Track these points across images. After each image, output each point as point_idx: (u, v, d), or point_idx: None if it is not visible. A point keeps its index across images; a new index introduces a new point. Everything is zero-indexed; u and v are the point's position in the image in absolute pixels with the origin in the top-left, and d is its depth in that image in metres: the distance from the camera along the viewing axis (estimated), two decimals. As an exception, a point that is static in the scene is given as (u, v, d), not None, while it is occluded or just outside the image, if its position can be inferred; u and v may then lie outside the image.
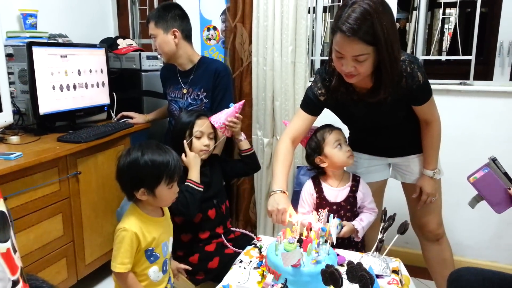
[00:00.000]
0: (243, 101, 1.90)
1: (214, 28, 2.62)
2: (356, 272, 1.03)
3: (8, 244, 0.58)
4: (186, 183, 1.66)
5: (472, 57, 2.25)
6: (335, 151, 1.64)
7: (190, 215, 1.67)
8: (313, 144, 1.68)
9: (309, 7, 2.39)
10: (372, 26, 1.29)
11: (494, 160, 1.34)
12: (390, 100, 1.51)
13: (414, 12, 2.68)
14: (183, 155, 1.71)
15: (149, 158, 1.34)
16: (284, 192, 1.53)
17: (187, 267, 1.67)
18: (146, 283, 1.41)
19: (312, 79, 1.72)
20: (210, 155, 1.82)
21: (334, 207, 1.65)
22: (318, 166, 1.69)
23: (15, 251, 0.58)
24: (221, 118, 1.80)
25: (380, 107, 1.54)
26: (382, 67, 1.39)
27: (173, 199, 1.44)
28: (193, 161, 1.71)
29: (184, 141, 1.73)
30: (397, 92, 1.48)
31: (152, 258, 1.41)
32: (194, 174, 1.69)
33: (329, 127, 1.70)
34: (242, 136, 1.90)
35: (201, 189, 1.68)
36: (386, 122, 1.65)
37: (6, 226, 0.59)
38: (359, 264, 1.05)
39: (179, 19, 2.13)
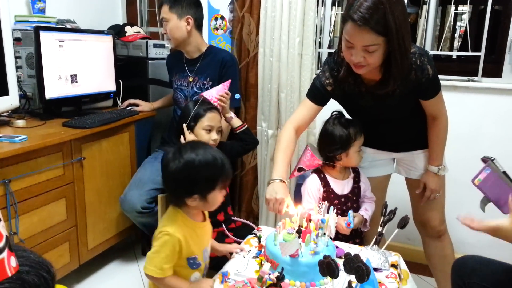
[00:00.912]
0: (230, 80, 1.91)
1: (222, 18, 2.61)
2: (353, 263, 1.03)
3: None
4: None
5: (481, 54, 2.22)
6: (356, 155, 1.64)
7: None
8: (344, 138, 1.60)
9: (318, 0, 2.37)
10: (384, 16, 1.27)
11: (493, 160, 1.32)
12: (398, 93, 1.50)
13: (425, 7, 2.64)
14: (182, 137, 1.70)
15: (203, 159, 1.24)
16: (283, 181, 1.51)
17: (239, 247, 1.54)
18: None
19: (320, 69, 1.71)
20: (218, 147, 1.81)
21: (343, 199, 1.66)
22: (333, 160, 1.65)
23: None
24: (212, 93, 1.80)
25: (387, 100, 1.53)
26: (392, 59, 1.36)
27: (220, 202, 1.34)
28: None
29: (184, 124, 1.71)
30: (405, 85, 1.47)
31: (194, 266, 1.34)
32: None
33: (359, 126, 1.64)
34: (232, 114, 1.90)
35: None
36: (393, 115, 1.63)
37: None
38: (356, 255, 1.05)
39: (194, 7, 2.13)
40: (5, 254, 0.58)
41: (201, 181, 1.24)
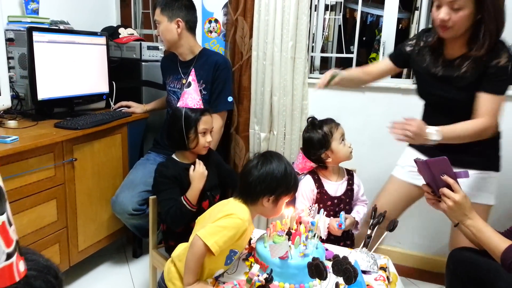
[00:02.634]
0: (193, 70, 1.86)
1: (216, 21, 2.63)
2: (341, 265, 1.04)
3: (3, 217, 0.58)
4: (183, 200, 1.63)
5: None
6: (341, 147, 1.67)
7: (173, 228, 1.67)
8: (320, 138, 1.66)
9: (312, 4, 2.39)
10: None
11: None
12: (468, 75, 1.46)
13: (416, 13, 2.67)
14: (191, 167, 1.67)
15: (289, 169, 1.35)
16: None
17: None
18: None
19: (312, 75, 1.78)
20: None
21: (336, 201, 1.67)
22: (322, 161, 1.69)
23: (10, 224, 0.59)
24: (195, 98, 1.74)
25: (454, 70, 1.50)
26: (483, 22, 1.37)
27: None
28: (199, 178, 1.66)
29: (197, 160, 1.71)
30: (477, 67, 1.43)
31: (228, 261, 1.34)
32: (194, 193, 1.65)
33: (333, 121, 1.71)
34: None
35: (194, 210, 1.65)
36: (454, 103, 1.54)
37: (2, 199, 0.60)
38: (344, 257, 1.06)
39: (185, 10, 2.14)
40: (14, 258, 0.58)
41: (283, 187, 1.33)
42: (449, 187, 1.30)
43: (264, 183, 1.32)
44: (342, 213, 1.57)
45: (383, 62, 1.83)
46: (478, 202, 1.56)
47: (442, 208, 1.33)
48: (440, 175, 1.30)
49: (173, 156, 1.77)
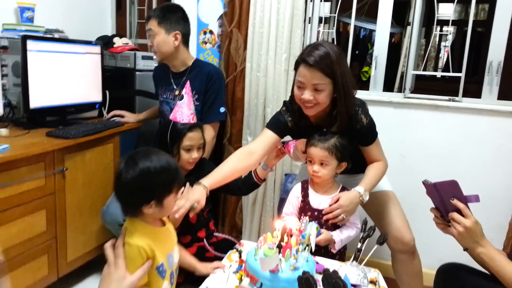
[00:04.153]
0: (188, 82, 1.84)
1: (211, 32, 2.64)
2: (331, 279, 1.04)
3: None
4: None
5: (462, 74, 2.28)
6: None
7: None
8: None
9: (306, 18, 2.42)
10: (331, 63, 1.53)
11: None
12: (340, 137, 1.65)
13: (409, 28, 2.71)
14: (179, 191, 1.52)
15: (159, 165, 1.21)
16: (206, 188, 1.56)
17: (220, 265, 1.51)
18: None
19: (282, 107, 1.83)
20: (198, 163, 1.80)
21: (316, 213, 1.67)
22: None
23: None
24: (184, 112, 1.73)
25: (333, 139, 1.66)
26: (338, 99, 1.59)
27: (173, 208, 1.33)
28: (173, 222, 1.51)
29: (188, 183, 1.62)
30: (345, 130, 1.65)
31: (163, 274, 1.28)
32: (174, 220, 1.52)
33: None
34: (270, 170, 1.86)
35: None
36: None
37: None
38: (335, 271, 1.06)
39: (182, 22, 2.15)
40: None
41: (159, 187, 1.21)
42: (459, 211, 1.29)
43: (137, 189, 1.20)
44: (312, 222, 1.54)
45: (266, 136, 1.75)
46: (380, 190, 1.86)
47: (452, 233, 1.31)
48: (449, 198, 1.27)
49: None
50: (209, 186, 1.57)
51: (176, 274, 1.40)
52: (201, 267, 1.49)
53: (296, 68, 1.61)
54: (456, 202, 1.28)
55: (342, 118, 1.62)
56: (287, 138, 1.87)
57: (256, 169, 1.83)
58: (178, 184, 1.26)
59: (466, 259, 1.43)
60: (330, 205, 1.65)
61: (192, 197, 1.50)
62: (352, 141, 1.70)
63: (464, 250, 1.33)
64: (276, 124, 1.77)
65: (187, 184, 1.64)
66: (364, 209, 1.91)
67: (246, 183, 1.87)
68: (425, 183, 1.33)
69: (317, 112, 1.64)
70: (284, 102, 1.83)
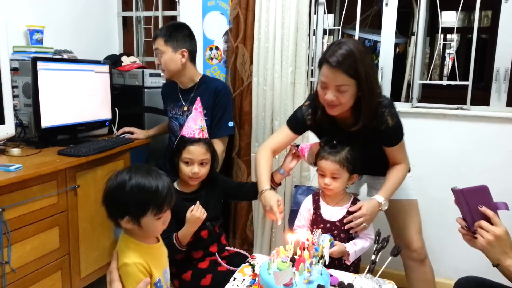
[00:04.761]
0: (198, 99, 1.88)
1: (217, 48, 2.68)
2: (346, 292, 1.03)
3: None
4: (173, 238, 1.62)
5: (469, 82, 2.29)
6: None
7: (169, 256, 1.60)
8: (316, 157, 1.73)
9: (310, 30, 2.45)
10: (355, 62, 1.48)
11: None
12: (365, 135, 1.64)
13: (413, 37, 2.73)
14: (189, 209, 1.62)
15: (136, 183, 1.19)
16: (272, 188, 1.70)
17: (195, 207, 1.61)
18: None
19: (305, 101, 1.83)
20: (210, 179, 1.80)
21: (328, 225, 1.67)
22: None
23: None
24: (191, 126, 1.76)
25: (356, 139, 1.66)
26: (362, 99, 1.55)
27: (161, 230, 1.29)
28: (193, 222, 1.61)
29: (198, 202, 1.66)
30: (368, 130, 1.63)
31: None
32: (185, 235, 1.63)
33: (327, 152, 1.67)
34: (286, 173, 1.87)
35: (183, 250, 1.65)
36: (361, 151, 1.70)
37: None
38: (350, 285, 1.06)
39: (188, 40, 2.19)
40: None
41: (132, 205, 1.19)
42: (487, 220, 1.20)
43: (110, 200, 1.23)
44: (325, 234, 1.55)
45: (284, 134, 1.81)
46: (404, 199, 1.84)
47: (480, 245, 1.20)
48: (477, 206, 1.19)
49: (175, 183, 1.76)
50: (270, 186, 1.70)
51: None
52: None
53: (319, 67, 1.57)
54: (484, 209, 1.20)
55: (364, 118, 1.59)
56: (301, 139, 1.87)
57: (272, 172, 1.83)
58: (157, 207, 1.20)
59: (483, 270, 1.41)
60: (349, 214, 1.65)
61: (272, 201, 1.60)
62: (378, 142, 1.69)
63: (494, 266, 1.22)
64: (294, 121, 1.79)
65: (197, 202, 1.65)
66: (385, 214, 1.91)
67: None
68: (453, 189, 1.25)
69: (340, 113, 1.61)
70: (309, 96, 1.82)
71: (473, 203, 1.21)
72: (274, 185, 1.85)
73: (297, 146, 1.84)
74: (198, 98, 1.85)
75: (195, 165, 1.71)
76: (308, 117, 1.74)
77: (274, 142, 1.82)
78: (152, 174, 1.23)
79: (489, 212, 1.19)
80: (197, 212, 1.61)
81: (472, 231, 1.23)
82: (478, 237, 1.20)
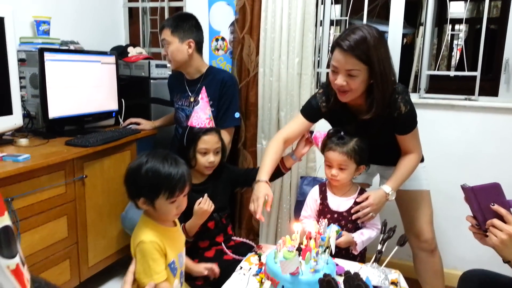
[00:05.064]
0: (203, 88, 1.88)
1: (223, 39, 2.67)
2: (353, 281, 1.04)
3: (17, 259, 0.55)
4: (181, 226, 1.60)
5: (478, 73, 2.26)
6: (325, 168, 1.70)
7: None
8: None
9: (317, 21, 2.43)
10: (367, 48, 1.46)
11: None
12: (376, 123, 1.62)
13: (421, 28, 2.70)
14: (197, 202, 1.63)
15: (150, 167, 1.28)
16: (267, 182, 1.66)
17: (213, 266, 1.57)
18: None
19: (317, 90, 1.80)
20: (217, 168, 1.81)
21: (335, 215, 1.67)
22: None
23: (23, 264, 0.56)
24: (201, 117, 1.76)
25: (369, 127, 1.64)
26: (375, 86, 1.53)
27: (176, 214, 1.36)
28: (201, 215, 1.63)
29: (206, 194, 1.66)
30: (381, 117, 1.59)
31: (175, 272, 1.35)
32: (193, 225, 1.65)
33: (334, 143, 1.67)
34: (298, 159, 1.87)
35: (190, 240, 1.66)
36: (374, 140, 1.70)
37: (13, 240, 0.56)
38: (356, 274, 1.06)
39: (195, 30, 2.18)
40: None
41: (145, 187, 1.28)
42: (500, 217, 1.14)
43: (128, 180, 1.32)
44: (332, 225, 1.55)
45: (298, 123, 1.79)
46: (416, 189, 1.82)
47: (492, 244, 1.16)
48: (489, 204, 1.15)
49: None
50: (267, 179, 1.67)
51: (184, 274, 1.45)
52: (194, 266, 1.55)
53: (332, 51, 1.56)
54: (497, 207, 1.14)
55: (378, 105, 1.56)
56: (317, 126, 1.88)
57: (283, 157, 1.83)
58: (169, 190, 1.28)
59: (489, 261, 1.41)
60: (356, 204, 1.66)
61: (260, 193, 1.60)
62: (391, 130, 1.67)
63: (504, 262, 1.19)
64: (309, 109, 1.77)
65: (205, 195, 1.65)
66: (397, 204, 1.91)
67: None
68: (463, 187, 1.21)
69: (352, 100, 1.59)
70: (322, 84, 1.80)
71: (484, 201, 1.16)
72: (285, 169, 1.84)
73: (311, 132, 1.82)
74: (204, 88, 1.84)
75: (210, 154, 1.73)
76: (322, 105, 1.73)
77: (288, 131, 1.80)
78: (168, 160, 1.30)
79: (502, 211, 1.14)
80: (204, 205, 1.62)
81: (483, 230, 1.18)
82: (490, 236, 1.15)
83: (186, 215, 1.64)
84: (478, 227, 1.20)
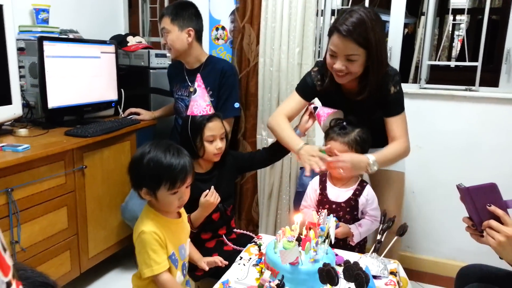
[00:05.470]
0: (199, 76, 1.81)
1: (223, 28, 2.65)
2: (352, 271, 1.04)
3: None
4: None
5: (479, 63, 2.25)
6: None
7: None
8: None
9: (318, 10, 2.41)
10: (365, 31, 1.47)
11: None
12: (368, 102, 1.64)
13: (423, 18, 2.68)
14: (203, 194, 1.62)
15: (152, 157, 1.28)
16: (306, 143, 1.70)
17: (216, 260, 1.55)
18: None
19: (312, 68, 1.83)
20: (222, 154, 1.78)
21: (334, 206, 1.67)
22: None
23: (4, 250, 0.54)
24: (201, 105, 1.72)
25: (360, 106, 1.67)
26: (370, 68, 1.55)
27: (178, 206, 1.36)
28: (207, 207, 1.62)
29: (212, 186, 1.65)
30: (373, 97, 1.62)
31: (176, 263, 1.36)
32: (198, 217, 1.64)
33: (336, 133, 1.66)
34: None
35: (194, 231, 1.65)
36: (364, 119, 1.69)
37: None
38: (356, 263, 1.06)
39: (195, 19, 2.16)
40: (13, 287, 0.54)
41: (146, 177, 1.29)
42: (496, 218, 1.11)
43: (130, 169, 1.33)
44: (331, 215, 1.54)
45: (295, 101, 1.80)
46: (392, 169, 1.81)
47: (489, 245, 1.13)
48: (485, 205, 1.12)
49: None
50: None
51: (187, 266, 1.45)
52: (197, 261, 1.55)
53: (329, 35, 1.56)
54: (494, 208, 1.11)
55: (371, 88, 1.58)
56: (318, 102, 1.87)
57: None
58: (170, 181, 1.28)
59: (487, 251, 1.40)
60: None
61: (313, 151, 1.63)
62: (380, 112, 1.68)
63: (501, 258, 1.16)
64: (304, 87, 1.79)
65: (212, 187, 1.64)
66: (370, 181, 1.89)
67: (274, 152, 1.87)
68: (458, 187, 1.17)
69: (348, 81, 1.61)
70: (317, 62, 1.81)
71: (480, 202, 1.13)
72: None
73: (315, 108, 1.79)
74: (198, 75, 1.78)
75: (217, 140, 1.70)
76: (318, 83, 1.74)
77: (287, 109, 1.79)
78: (170, 150, 1.30)
79: (498, 212, 1.10)
80: (211, 198, 1.61)
81: (479, 231, 1.16)
82: (487, 237, 1.12)
83: (191, 206, 1.62)
84: (474, 228, 1.17)
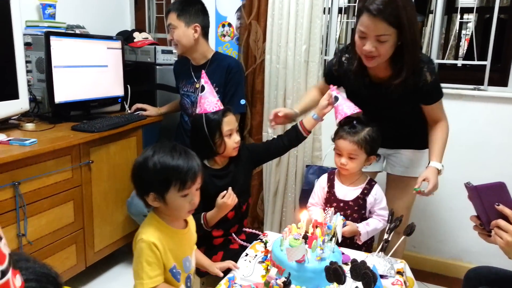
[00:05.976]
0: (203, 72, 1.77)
1: (229, 25, 2.64)
2: (360, 270, 1.04)
3: None
4: (201, 218, 1.59)
5: (487, 63, 2.23)
6: (335, 156, 1.68)
7: None
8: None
9: (325, 8, 2.39)
10: (397, 9, 1.39)
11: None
12: (397, 93, 1.58)
13: (431, 16, 2.65)
14: (221, 195, 1.57)
15: (158, 159, 1.20)
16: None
17: (230, 265, 1.48)
18: None
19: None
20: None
21: (341, 204, 1.66)
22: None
23: (0, 238, 0.54)
24: (212, 101, 1.67)
25: (388, 96, 1.61)
26: (405, 49, 1.47)
27: (189, 211, 1.27)
28: (224, 208, 1.57)
29: (230, 187, 1.58)
30: (404, 86, 1.55)
31: (178, 277, 1.29)
32: (214, 216, 1.59)
33: (345, 132, 1.64)
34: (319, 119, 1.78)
35: (208, 230, 1.63)
36: (389, 112, 1.67)
37: None
38: (363, 262, 1.06)
39: (201, 15, 2.16)
40: (9, 275, 0.54)
41: (154, 181, 1.21)
42: (505, 218, 1.09)
43: (136, 175, 1.25)
44: (338, 214, 1.53)
45: (321, 83, 1.92)
46: (412, 176, 1.76)
47: (496, 243, 1.11)
48: (493, 204, 1.10)
49: (204, 161, 1.68)
50: (297, 109, 1.83)
51: (193, 278, 1.39)
52: (209, 267, 1.50)
53: (358, 15, 1.48)
54: (502, 207, 1.09)
55: (408, 71, 1.50)
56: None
57: (303, 120, 1.77)
58: (180, 182, 1.20)
59: (494, 252, 1.39)
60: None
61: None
62: (411, 100, 1.63)
63: (509, 258, 1.14)
64: (327, 71, 1.86)
65: (230, 189, 1.58)
66: (386, 184, 1.90)
67: (290, 136, 1.81)
68: (467, 186, 1.16)
69: (377, 64, 1.54)
70: (344, 47, 1.80)
71: (489, 201, 1.12)
72: (306, 133, 1.77)
73: (336, 98, 1.67)
74: (203, 72, 1.74)
75: (234, 134, 1.68)
76: (334, 69, 1.76)
77: (321, 86, 1.89)
78: (176, 150, 1.23)
79: (507, 211, 1.09)
80: (228, 200, 1.55)
81: (487, 230, 1.14)
82: (495, 237, 1.10)
83: (207, 203, 1.58)
84: (482, 228, 1.16)
